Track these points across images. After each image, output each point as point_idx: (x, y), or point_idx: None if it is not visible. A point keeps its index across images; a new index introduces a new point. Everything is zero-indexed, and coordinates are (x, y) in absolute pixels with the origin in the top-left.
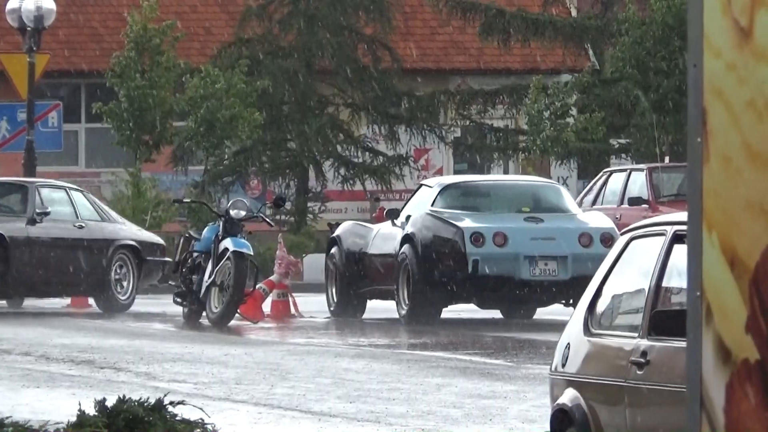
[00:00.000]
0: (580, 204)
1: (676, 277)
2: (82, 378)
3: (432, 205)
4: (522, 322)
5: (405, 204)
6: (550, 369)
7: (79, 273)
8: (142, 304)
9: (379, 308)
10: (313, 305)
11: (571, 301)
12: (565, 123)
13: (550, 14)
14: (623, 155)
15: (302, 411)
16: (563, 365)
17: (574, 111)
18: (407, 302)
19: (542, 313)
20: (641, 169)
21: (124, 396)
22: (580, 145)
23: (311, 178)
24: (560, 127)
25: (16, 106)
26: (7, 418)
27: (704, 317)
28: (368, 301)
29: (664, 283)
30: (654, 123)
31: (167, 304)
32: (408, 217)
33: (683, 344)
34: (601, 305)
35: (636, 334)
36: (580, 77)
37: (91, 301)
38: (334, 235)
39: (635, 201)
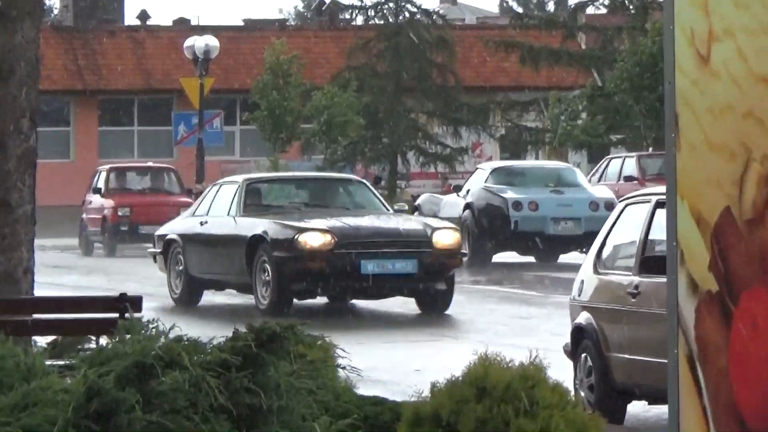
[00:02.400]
0: (589, 181)
1: (658, 232)
2: (236, 307)
3: (485, 182)
4: (549, 264)
5: (466, 182)
6: (570, 298)
7: None
8: None
9: None
10: None
11: (584, 250)
12: (576, 124)
13: (567, 48)
14: (619, 146)
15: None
16: (579, 295)
17: (583, 115)
18: (468, 251)
19: (564, 258)
20: (632, 156)
21: (265, 321)
22: (587, 139)
23: (399, 163)
24: (572, 127)
25: (191, 114)
26: (185, 335)
27: (679, 260)
28: None
29: (650, 236)
30: (642, 124)
31: None
32: (468, 191)
33: (664, 279)
34: (606, 252)
35: (630, 273)
36: (585, 91)
37: None
38: (416, 203)
39: (629, 178)
